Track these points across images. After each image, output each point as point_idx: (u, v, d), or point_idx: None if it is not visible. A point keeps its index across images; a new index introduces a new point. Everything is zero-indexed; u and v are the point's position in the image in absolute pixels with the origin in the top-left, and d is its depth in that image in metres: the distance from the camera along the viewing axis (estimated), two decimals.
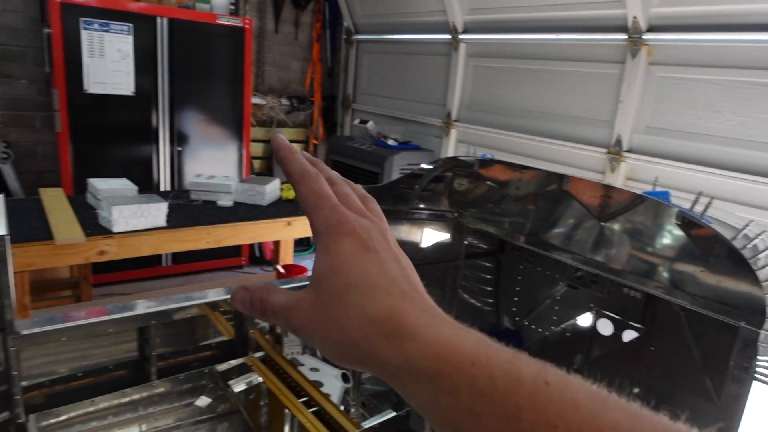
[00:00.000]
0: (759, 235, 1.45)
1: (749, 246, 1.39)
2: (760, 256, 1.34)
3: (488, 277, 2.67)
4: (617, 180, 3.13)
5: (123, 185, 2.97)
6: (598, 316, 2.22)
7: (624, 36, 3.10)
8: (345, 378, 2.06)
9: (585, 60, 3.38)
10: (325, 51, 5.75)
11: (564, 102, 3.50)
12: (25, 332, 1.51)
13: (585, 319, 2.23)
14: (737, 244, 1.37)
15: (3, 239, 1.26)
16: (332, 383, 2.02)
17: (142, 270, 4.21)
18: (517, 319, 2.62)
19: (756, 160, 2.62)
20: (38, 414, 1.66)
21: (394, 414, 1.73)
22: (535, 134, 3.63)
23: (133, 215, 2.62)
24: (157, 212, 2.68)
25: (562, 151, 3.46)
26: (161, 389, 1.99)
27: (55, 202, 2.93)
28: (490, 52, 4.04)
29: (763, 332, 1.09)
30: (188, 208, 3.04)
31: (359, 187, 0.49)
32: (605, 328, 2.20)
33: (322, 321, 0.38)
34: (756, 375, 1.05)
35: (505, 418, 0.30)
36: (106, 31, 3.84)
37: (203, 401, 1.93)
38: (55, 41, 3.69)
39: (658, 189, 1.83)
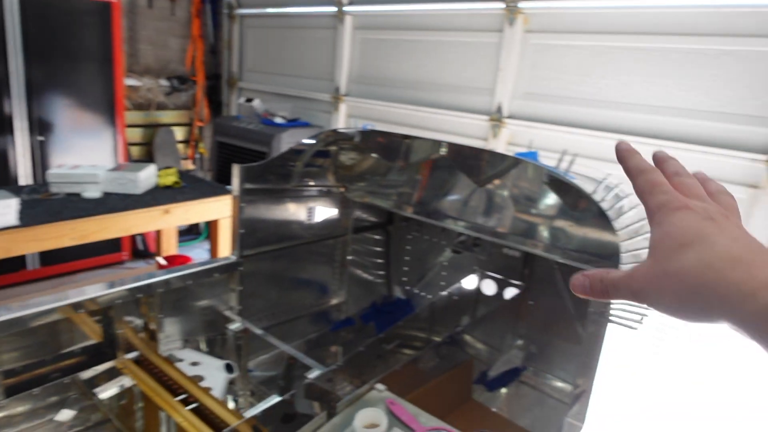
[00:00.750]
0: (617, 186, 1.50)
1: (608, 197, 1.43)
2: (617, 206, 1.38)
3: (378, 249, 2.64)
4: (499, 145, 3.21)
5: None
6: (482, 277, 2.27)
7: (502, 5, 3.15)
8: (229, 368, 1.94)
9: (466, 30, 3.41)
10: (207, 27, 5.41)
11: (448, 72, 3.53)
12: None
13: (470, 282, 2.27)
14: (597, 196, 1.40)
15: None
16: (214, 376, 1.90)
17: (2, 276, 3.76)
18: (408, 288, 2.62)
19: (620, 120, 2.77)
20: None
21: (278, 399, 1.65)
22: (423, 105, 3.63)
23: None
24: (5, 209, 2.37)
25: (448, 121, 3.50)
26: (20, 408, 1.77)
27: None
28: (376, 24, 3.98)
29: None
30: (48, 203, 2.72)
31: (715, 182, 0.50)
32: (489, 288, 2.25)
33: (659, 278, 0.41)
34: (611, 317, 1.08)
35: None
36: None
37: (65, 415, 1.73)
38: None
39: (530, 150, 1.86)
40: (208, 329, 2.13)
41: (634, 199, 1.76)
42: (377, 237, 2.62)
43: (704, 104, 2.54)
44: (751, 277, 0.36)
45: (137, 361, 1.93)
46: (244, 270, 2.05)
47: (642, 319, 1.09)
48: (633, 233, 1.41)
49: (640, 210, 1.59)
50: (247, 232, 2.03)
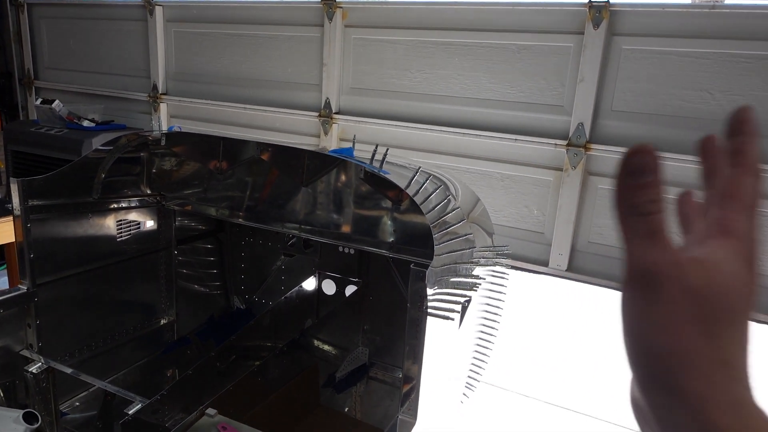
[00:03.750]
0: (429, 176, 1.54)
1: (421, 189, 1.46)
2: (430, 198, 1.42)
3: (210, 259, 2.47)
4: (331, 142, 3.19)
5: None
6: (321, 277, 2.23)
7: None
8: (29, 418, 1.66)
9: (287, 24, 3.33)
10: None
11: (273, 68, 3.42)
12: None
13: (310, 283, 2.21)
14: (411, 189, 1.42)
15: None
16: (10, 429, 1.61)
17: None
18: (247, 296, 2.49)
19: (439, 112, 2.92)
20: None
21: None
22: (250, 103, 3.48)
23: None
24: None
25: (278, 118, 3.40)
26: None
27: None
28: (190, 16, 3.71)
29: (432, 269, 1.13)
30: None
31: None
32: (329, 287, 2.22)
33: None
34: (429, 310, 1.09)
35: None
36: None
37: None
38: None
39: (361, 146, 1.85)
40: (1, 375, 1.80)
41: (455, 189, 1.79)
42: (208, 246, 2.45)
43: (511, 95, 2.77)
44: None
45: None
46: (41, 300, 1.76)
47: (460, 310, 1.12)
48: (454, 220, 1.46)
49: (460, 200, 1.66)
50: (41, 256, 1.74)
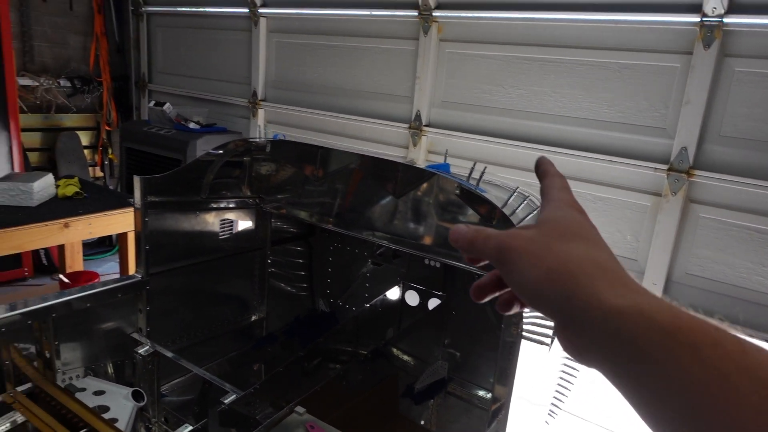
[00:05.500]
0: (528, 196, 1.54)
1: (520, 209, 1.46)
2: (529, 216, 1.41)
3: (300, 261, 2.57)
4: (419, 154, 3.24)
5: None
6: (405, 288, 2.26)
7: (415, 12, 3.18)
8: (137, 396, 1.81)
9: (383, 36, 3.42)
10: (111, 24, 5.07)
11: (367, 79, 3.51)
12: None
13: (394, 293, 2.26)
14: (508, 209, 1.43)
15: None
16: (121, 405, 1.76)
17: None
18: (332, 300, 2.57)
19: (531, 129, 2.88)
20: None
21: (191, 428, 1.56)
22: (342, 112, 3.60)
23: None
24: None
25: (369, 128, 3.49)
26: None
27: None
28: (292, 27, 3.90)
29: None
30: None
31: None
32: (412, 299, 2.25)
33: (540, 248, 0.41)
34: (524, 334, 1.09)
35: (759, 384, 0.29)
36: None
37: None
38: None
39: (451, 160, 1.88)
40: (113, 354, 1.98)
41: None
42: (299, 248, 2.56)
43: (609, 115, 2.68)
44: (615, 297, 0.36)
45: (30, 394, 1.76)
46: (152, 288, 1.92)
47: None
48: None
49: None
50: (154, 248, 1.90)
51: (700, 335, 0.32)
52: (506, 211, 1.41)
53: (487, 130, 3.02)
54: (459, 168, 1.74)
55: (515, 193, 1.47)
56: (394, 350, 2.28)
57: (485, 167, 1.51)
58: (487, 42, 3.01)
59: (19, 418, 1.68)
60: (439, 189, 1.70)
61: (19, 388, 1.76)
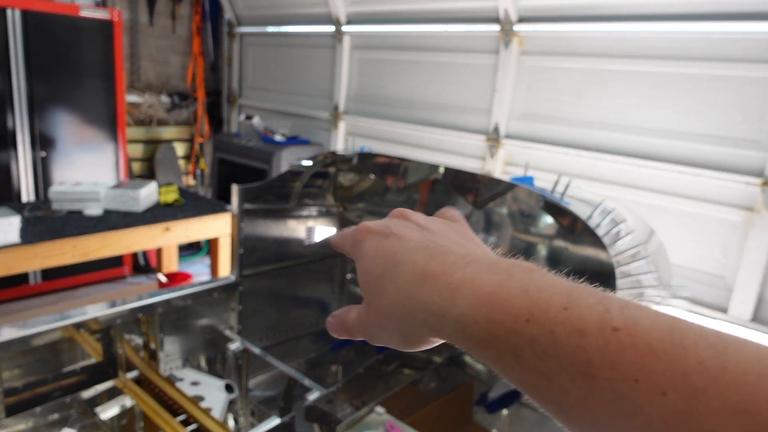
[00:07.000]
0: (612, 210, 1.54)
1: (604, 222, 1.46)
2: (614, 231, 1.41)
3: None
4: (496, 165, 3.25)
5: None
6: None
7: (497, 27, 3.21)
8: (229, 388, 1.96)
9: (463, 50, 3.47)
10: (207, 44, 5.47)
11: (445, 92, 3.58)
12: None
13: None
14: (593, 221, 1.44)
15: None
16: (215, 396, 1.91)
17: (5, 290, 3.77)
18: None
19: (615, 141, 2.82)
20: None
21: (278, 421, 1.67)
22: (420, 124, 3.68)
23: None
24: (7, 227, 2.39)
25: (446, 140, 3.54)
26: (21, 426, 1.78)
27: None
28: (374, 43, 4.04)
29: None
30: (50, 220, 2.75)
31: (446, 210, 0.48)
32: None
33: (374, 319, 0.38)
34: None
35: (579, 377, 0.27)
36: None
37: None
38: None
39: (530, 172, 1.90)
40: (208, 349, 2.15)
41: (631, 223, 1.79)
42: None
43: (697, 127, 2.59)
44: (438, 291, 0.33)
45: (138, 381, 1.95)
46: (244, 289, 2.08)
47: None
48: (630, 258, 1.44)
49: (637, 235, 1.62)
50: (247, 252, 2.06)
51: (516, 338, 0.30)
52: (592, 222, 1.42)
53: (566, 142, 2.99)
54: (541, 181, 1.76)
55: (599, 208, 1.47)
56: (469, 358, 2.31)
57: (570, 180, 1.53)
58: (569, 54, 2.99)
59: (128, 401, 1.86)
60: (522, 200, 1.73)
61: (128, 375, 1.96)
